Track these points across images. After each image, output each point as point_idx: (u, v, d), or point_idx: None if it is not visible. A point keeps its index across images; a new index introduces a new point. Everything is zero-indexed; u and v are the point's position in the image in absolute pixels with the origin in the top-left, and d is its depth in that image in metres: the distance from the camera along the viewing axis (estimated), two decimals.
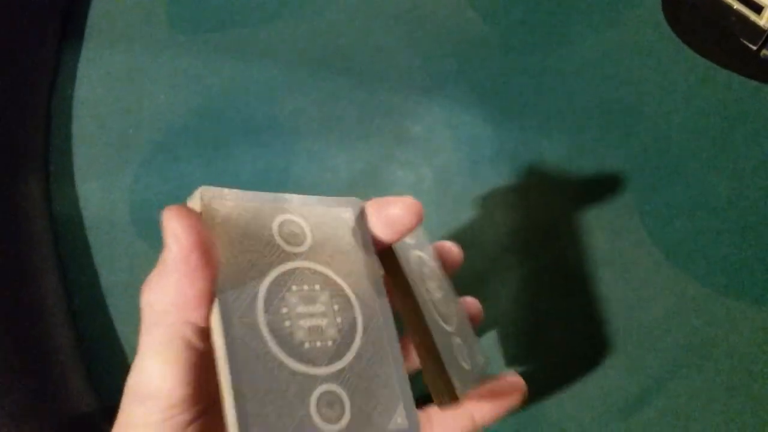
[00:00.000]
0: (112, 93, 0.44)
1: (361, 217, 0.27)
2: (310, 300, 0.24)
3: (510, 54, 0.44)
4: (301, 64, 0.44)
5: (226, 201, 0.24)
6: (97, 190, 0.42)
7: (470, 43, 0.44)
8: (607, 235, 0.40)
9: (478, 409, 0.28)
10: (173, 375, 0.22)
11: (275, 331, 0.23)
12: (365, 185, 0.42)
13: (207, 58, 0.44)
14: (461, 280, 0.32)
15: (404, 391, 0.25)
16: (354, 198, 0.28)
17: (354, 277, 0.26)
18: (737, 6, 0.41)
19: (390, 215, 0.27)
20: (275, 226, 0.25)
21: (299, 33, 0.45)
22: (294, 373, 0.22)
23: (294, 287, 0.24)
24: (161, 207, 0.42)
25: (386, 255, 0.27)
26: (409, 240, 0.30)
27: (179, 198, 0.41)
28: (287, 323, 0.23)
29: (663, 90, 0.43)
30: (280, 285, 0.24)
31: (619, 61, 0.43)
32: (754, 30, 0.41)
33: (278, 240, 0.25)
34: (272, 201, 0.25)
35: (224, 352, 0.21)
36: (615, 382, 0.38)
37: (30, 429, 0.33)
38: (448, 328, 0.28)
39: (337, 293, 0.25)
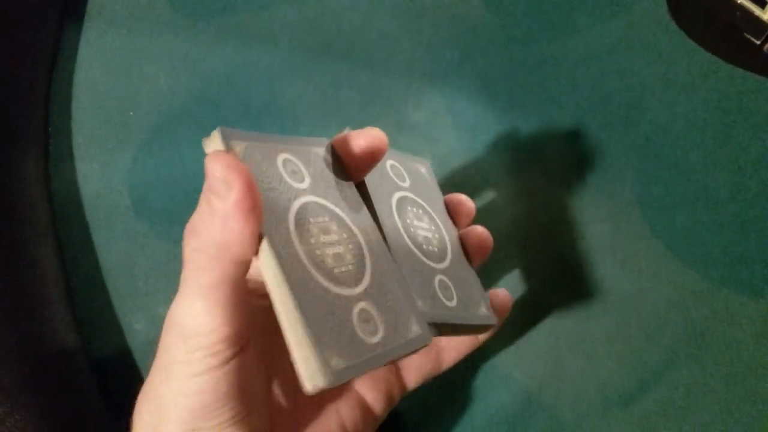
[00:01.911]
0: (112, 75, 0.44)
1: (332, 153, 0.29)
2: (326, 230, 0.26)
3: (513, 43, 0.44)
4: (303, 50, 0.44)
5: (241, 140, 0.25)
6: (96, 171, 0.42)
7: (473, 31, 0.44)
8: (608, 226, 0.40)
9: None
10: (219, 315, 0.22)
11: (312, 260, 0.24)
12: None
13: (208, 41, 0.44)
14: None
15: (410, 302, 0.27)
16: (323, 138, 0.30)
17: (345, 205, 0.28)
18: (741, 0, 0.41)
19: (357, 146, 0.28)
20: (280, 164, 0.26)
21: (301, 18, 0.45)
22: (336, 296, 0.24)
23: (311, 219, 0.26)
24: (160, 189, 0.42)
25: (361, 187, 0.30)
26: (400, 182, 0.32)
27: (178, 180, 0.41)
28: (318, 252, 0.25)
29: (665, 83, 0.42)
30: (301, 218, 0.25)
31: (622, 53, 0.43)
32: (758, 24, 0.41)
33: (286, 177, 0.26)
34: (269, 141, 0.27)
35: (284, 283, 0.22)
36: (613, 373, 0.38)
37: (27, 407, 0.32)
38: (436, 265, 0.30)
39: (341, 223, 0.27)
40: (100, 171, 0.42)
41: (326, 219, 0.26)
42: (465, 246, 0.33)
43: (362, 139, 0.28)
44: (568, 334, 0.39)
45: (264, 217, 0.23)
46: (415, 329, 0.26)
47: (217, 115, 0.43)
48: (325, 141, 0.29)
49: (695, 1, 0.43)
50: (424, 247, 0.30)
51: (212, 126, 0.42)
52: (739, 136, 0.41)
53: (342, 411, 0.30)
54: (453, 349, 0.33)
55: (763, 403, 0.36)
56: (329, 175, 0.28)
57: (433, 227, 0.32)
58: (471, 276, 0.32)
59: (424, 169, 0.36)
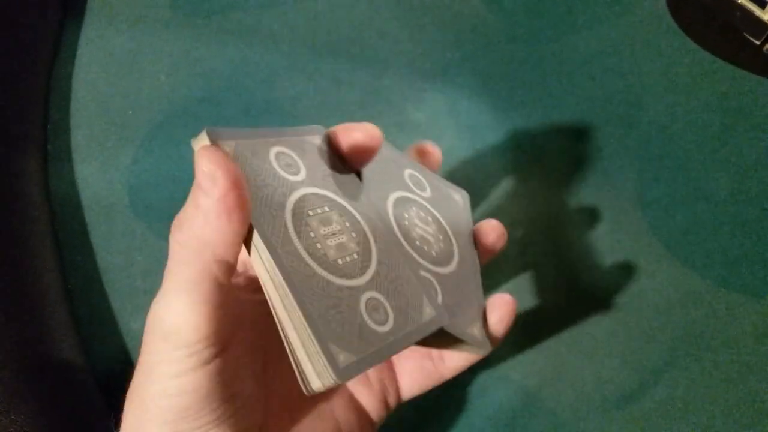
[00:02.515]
0: (112, 74, 0.43)
1: (328, 142, 0.29)
2: (326, 221, 0.26)
3: (514, 43, 0.44)
4: (303, 49, 0.44)
5: (229, 140, 0.25)
6: (96, 171, 0.41)
7: (475, 31, 0.44)
8: (608, 226, 0.40)
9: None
10: (200, 312, 0.22)
11: (313, 255, 0.24)
12: None
13: (208, 40, 0.44)
14: None
15: (423, 284, 0.27)
16: (318, 125, 0.29)
17: (346, 193, 0.28)
18: (741, 0, 0.41)
19: (352, 140, 0.28)
20: (272, 158, 0.26)
21: (302, 17, 0.44)
22: (340, 288, 0.24)
23: (310, 212, 0.25)
24: (160, 188, 0.42)
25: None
26: (414, 187, 0.32)
27: (178, 180, 0.41)
28: (318, 245, 0.25)
29: (666, 82, 0.42)
30: (299, 212, 0.25)
31: (623, 53, 0.43)
32: (758, 24, 0.41)
33: (280, 171, 0.26)
34: (260, 136, 0.26)
35: (283, 282, 0.22)
36: (613, 372, 0.38)
37: (25, 407, 0.32)
38: (424, 263, 0.29)
39: (343, 211, 0.27)
40: (100, 170, 0.42)
41: (326, 209, 0.26)
42: (477, 237, 0.33)
43: (359, 131, 0.28)
44: (567, 333, 0.39)
45: (258, 215, 0.23)
46: (429, 311, 0.26)
47: (217, 114, 0.42)
48: (320, 129, 0.29)
49: (695, 2, 0.43)
50: (417, 243, 0.30)
51: (213, 125, 0.42)
52: (739, 137, 0.41)
53: (337, 412, 0.30)
54: (452, 361, 0.32)
55: (762, 403, 0.36)
56: (326, 165, 0.28)
57: (440, 236, 0.31)
58: (474, 296, 0.31)
59: (458, 196, 0.35)
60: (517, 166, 0.41)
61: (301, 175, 0.26)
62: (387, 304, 0.25)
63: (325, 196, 0.27)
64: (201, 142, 0.24)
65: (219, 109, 0.43)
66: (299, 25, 0.44)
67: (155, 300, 0.23)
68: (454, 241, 0.32)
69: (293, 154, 0.27)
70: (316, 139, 0.29)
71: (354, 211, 0.27)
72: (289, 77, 0.43)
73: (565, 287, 0.39)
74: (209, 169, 0.22)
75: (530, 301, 0.39)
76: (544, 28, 0.44)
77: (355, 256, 0.26)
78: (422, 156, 0.34)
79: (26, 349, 0.35)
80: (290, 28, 0.44)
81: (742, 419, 0.36)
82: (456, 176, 0.41)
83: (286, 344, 0.23)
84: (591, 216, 0.40)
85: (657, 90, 0.42)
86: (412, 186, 0.32)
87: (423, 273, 0.29)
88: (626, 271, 0.39)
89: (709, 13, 0.42)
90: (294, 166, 0.26)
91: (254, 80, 0.43)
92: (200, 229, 0.22)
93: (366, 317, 0.24)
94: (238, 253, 0.23)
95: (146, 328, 0.23)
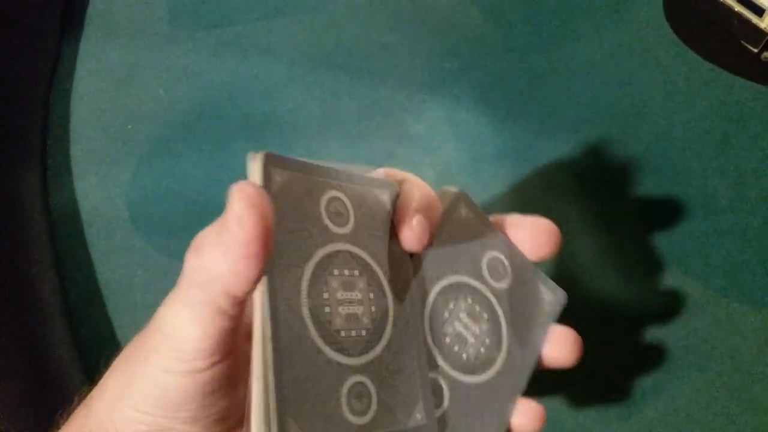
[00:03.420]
0: (111, 88, 0.44)
1: (394, 203, 0.26)
2: (349, 286, 0.24)
3: (512, 53, 0.44)
4: (302, 61, 0.44)
5: (284, 171, 0.23)
6: (95, 185, 0.42)
7: (473, 41, 0.44)
8: (608, 235, 0.40)
9: None
10: (200, 329, 0.22)
11: (315, 317, 0.22)
12: None
13: (207, 53, 0.44)
14: None
15: (424, 386, 0.25)
16: (392, 182, 0.27)
17: (388, 265, 0.25)
18: (738, 8, 0.41)
19: (413, 220, 0.25)
20: (323, 202, 0.24)
21: (300, 29, 0.45)
22: (329, 362, 0.22)
23: (336, 271, 0.23)
24: (159, 203, 0.42)
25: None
26: (490, 278, 0.28)
27: (178, 194, 0.41)
28: (327, 309, 0.23)
29: (664, 91, 0.42)
30: (323, 268, 0.23)
31: (621, 62, 0.43)
32: (756, 32, 0.41)
33: (325, 219, 0.24)
34: (322, 173, 0.24)
35: (270, 335, 0.21)
36: (615, 382, 0.38)
37: (25, 423, 0.32)
38: (451, 372, 0.26)
39: (373, 281, 0.24)
40: (99, 184, 0.42)
41: (355, 273, 0.24)
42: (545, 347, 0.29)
43: (424, 216, 0.26)
44: None
45: (276, 258, 0.22)
46: (419, 417, 0.24)
47: (217, 127, 0.43)
48: (392, 186, 0.26)
49: (692, 10, 0.43)
50: (447, 340, 0.26)
51: (211, 139, 0.43)
52: (738, 145, 0.41)
53: None
54: None
55: (765, 413, 0.36)
56: (380, 227, 0.25)
57: (487, 339, 0.27)
58: (495, 418, 0.27)
59: (549, 296, 0.30)
60: (516, 177, 0.41)
61: (346, 228, 0.24)
62: (374, 395, 0.23)
63: (360, 259, 0.24)
64: (255, 164, 0.23)
65: (218, 122, 0.43)
66: (298, 38, 0.44)
67: (165, 300, 0.23)
68: (504, 349, 0.28)
69: (348, 204, 0.25)
70: (384, 195, 0.26)
71: (386, 285, 0.25)
72: (288, 90, 0.43)
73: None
74: (240, 211, 0.21)
75: None
76: (542, 38, 0.44)
77: (363, 333, 0.23)
78: (536, 236, 0.30)
79: (26, 363, 0.35)
80: (289, 40, 0.44)
81: (745, 429, 0.36)
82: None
83: (247, 395, 0.21)
84: (591, 226, 0.40)
85: (655, 98, 0.42)
86: (485, 273, 0.28)
87: (434, 375, 0.26)
88: (626, 280, 0.39)
89: (707, 21, 0.42)
90: (343, 216, 0.24)
91: (253, 93, 0.43)
92: (215, 263, 0.22)
93: (343, 402, 0.22)
94: (249, 293, 0.22)
95: (152, 319, 0.23)
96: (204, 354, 0.22)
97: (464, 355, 0.27)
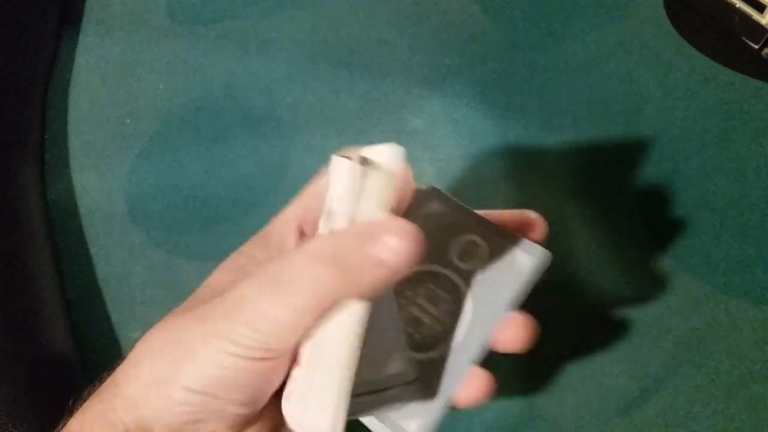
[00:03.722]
0: (110, 82, 0.43)
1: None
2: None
3: (512, 49, 0.43)
4: (302, 56, 0.44)
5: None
6: (94, 180, 0.41)
7: (473, 37, 0.44)
8: (607, 232, 0.40)
9: None
10: (291, 333, 0.23)
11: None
12: None
13: (206, 48, 0.44)
14: None
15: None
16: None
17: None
18: (740, 5, 0.41)
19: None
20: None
21: (300, 25, 0.44)
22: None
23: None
24: (158, 198, 0.41)
25: None
26: (456, 257, 0.30)
27: (176, 189, 0.41)
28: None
29: (665, 88, 0.42)
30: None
31: (621, 59, 0.43)
32: (757, 29, 0.41)
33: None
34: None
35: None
36: (614, 380, 0.38)
37: (24, 419, 0.32)
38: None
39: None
40: (98, 179, 0.41)
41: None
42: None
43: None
44: (567, 341, 0.38)
45: None
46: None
47: (216, 122, 0.42)
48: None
49: (693, 7, 0.43)
50: (402, 324, 0.28)
51: (211, 133, 0.42)
52: (738, 142, 0.41)
53: None
54: None
55: (765, 410, 0.36)
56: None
57: (446, 318, 0.29)
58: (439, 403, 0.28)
59: (526, 258, 0.31)
60: (516, 173, 0.41)
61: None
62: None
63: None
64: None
65: (217, 116, 0.43)
66: (297, 34, 0.44)
67: (268, 290, 0.23)
68: (467, 322, 0.29)
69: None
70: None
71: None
72: (287, 85, 0.43)
73: (564, 295, 0.39)
74: (408, 248, 0.23)
75: (529, 308, 0.39)
76: (543, 35, 0.44)
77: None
78: (524, 228, 0.31)
79: (25, 358, 0.35)
80: (288, 36, 0.44)
81: (744, 426, 0.36)
82: (454, 184, 0.41)
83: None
84: (590, 223, 0.40)
85: (656, 95, 0.42)
86: (452, 257, 0.30)
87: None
88: (626, 278, 0.39)
89: (708, 17, 0.42)
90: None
91: (252, 89, 0.43)
92: (373, 281, 0.23)
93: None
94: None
95: (232, 298, 0.23)
96: (274, 353, 0.23)
97: (417, 335, 0.28)
